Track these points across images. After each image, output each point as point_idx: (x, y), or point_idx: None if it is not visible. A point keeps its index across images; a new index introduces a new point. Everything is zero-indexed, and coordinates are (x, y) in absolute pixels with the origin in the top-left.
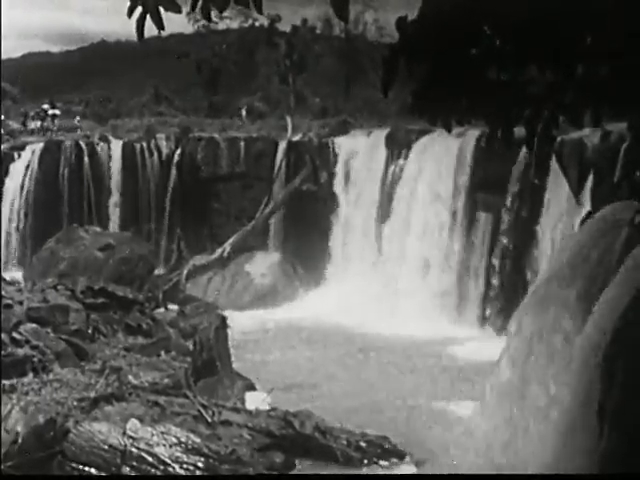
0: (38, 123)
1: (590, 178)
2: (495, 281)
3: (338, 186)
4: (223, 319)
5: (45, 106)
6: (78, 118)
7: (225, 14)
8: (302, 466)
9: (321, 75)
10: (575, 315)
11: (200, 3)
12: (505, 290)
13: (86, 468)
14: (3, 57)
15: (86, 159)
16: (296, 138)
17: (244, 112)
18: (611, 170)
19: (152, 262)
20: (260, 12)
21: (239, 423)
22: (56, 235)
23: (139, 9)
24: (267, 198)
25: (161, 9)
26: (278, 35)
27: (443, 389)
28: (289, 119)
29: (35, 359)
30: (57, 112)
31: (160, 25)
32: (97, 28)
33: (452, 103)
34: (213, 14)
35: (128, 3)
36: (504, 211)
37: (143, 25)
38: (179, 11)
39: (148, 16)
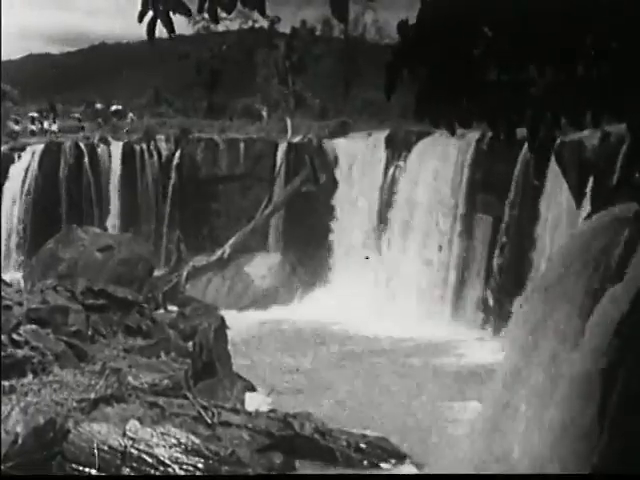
0: (46, 124)
1: (590, 179)
2: (495, 282)
3: (338, 187)
4: (223, 320)
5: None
6: (131, 115)
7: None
8: (302, 467)
9: (321, 76)
10: (576, 318)
11: (207, 4)
12: (505, 291)
13: (86, 469)
14: (3, 59)
15: (86, 160)
16: (296, 139)
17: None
18: (610, 171)
19: (152, 263)
20: (263, 15)
21: (239, 424)
22: (56, 236)
23: (150, 13)
24: (267, 199)
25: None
26: (278, 36)
27: (442, 390)
28: (289, 120)
29: (35, 360)
30: (120, 108)
31: (170, 29)
32: (97, 30)
33: (454, 105)
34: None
35: (136, 7)
36: (504, 212)
37: (154, 29)
38: (189, 13)
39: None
